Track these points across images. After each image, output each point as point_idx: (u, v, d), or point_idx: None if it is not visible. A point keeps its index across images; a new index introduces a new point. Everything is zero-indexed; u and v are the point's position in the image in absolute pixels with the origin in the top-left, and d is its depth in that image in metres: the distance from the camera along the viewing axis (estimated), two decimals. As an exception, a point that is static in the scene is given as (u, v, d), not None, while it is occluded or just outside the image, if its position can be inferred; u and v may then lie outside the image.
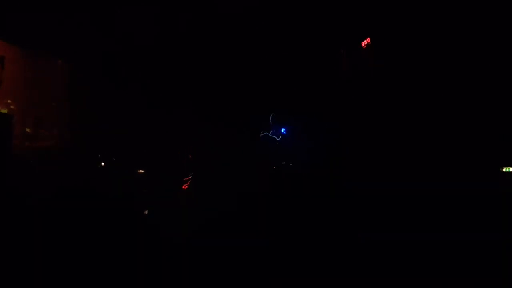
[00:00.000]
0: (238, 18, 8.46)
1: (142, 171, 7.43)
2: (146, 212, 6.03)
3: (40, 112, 8.53)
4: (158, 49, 9.23)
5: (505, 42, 6.00)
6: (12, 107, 8.07)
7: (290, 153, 9.06)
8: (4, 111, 7.86)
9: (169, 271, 3.84)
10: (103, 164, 7.49)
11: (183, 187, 6.76)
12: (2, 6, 7.50)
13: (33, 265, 3.62)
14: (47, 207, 4.69)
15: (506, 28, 5.96)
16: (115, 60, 9.02)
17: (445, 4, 6.54)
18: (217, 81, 9.30)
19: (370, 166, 7.14)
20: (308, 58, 8.82)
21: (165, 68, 9.33)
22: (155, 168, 7.58)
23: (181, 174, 7.22)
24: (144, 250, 4.24)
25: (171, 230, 5.07)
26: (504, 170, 6.00)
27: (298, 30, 8.48)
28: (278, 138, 9.36)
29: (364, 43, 7.90)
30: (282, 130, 9.37)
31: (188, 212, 5.84)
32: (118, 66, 9.02)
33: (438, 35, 6.71)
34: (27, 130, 7.87)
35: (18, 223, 4.26)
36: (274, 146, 9.31)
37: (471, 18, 6.31)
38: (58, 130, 8.56)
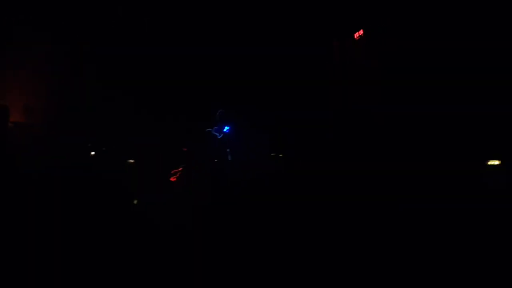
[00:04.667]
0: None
1: (133, 161, 7.40)
2: (135, 202, 6.02)
3: (30, 102, 8.46)
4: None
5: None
6: (6, 97, 8.02)
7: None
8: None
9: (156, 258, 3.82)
10: (93, 153, 7.45)
11: (172, 179, 6.67)
12: None
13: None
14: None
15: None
16: (106, 50, 8.97)
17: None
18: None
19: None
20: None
21: (158, 61, 9.28)
22: (146, 158, 7.54)
23: (171, 165, 7.14)
24: (132, 236, 4.23)
25: (160, 219, 5.07)
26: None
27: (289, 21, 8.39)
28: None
29: (357, 35, 7.85)
30: None
31: (177, 201, 5.82)
32: (108, 56, 8.97)
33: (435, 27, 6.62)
34: (17, 119, 7.79)
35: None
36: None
37: (466, 12, 6.24)
38: (48, 119, 8.51)
